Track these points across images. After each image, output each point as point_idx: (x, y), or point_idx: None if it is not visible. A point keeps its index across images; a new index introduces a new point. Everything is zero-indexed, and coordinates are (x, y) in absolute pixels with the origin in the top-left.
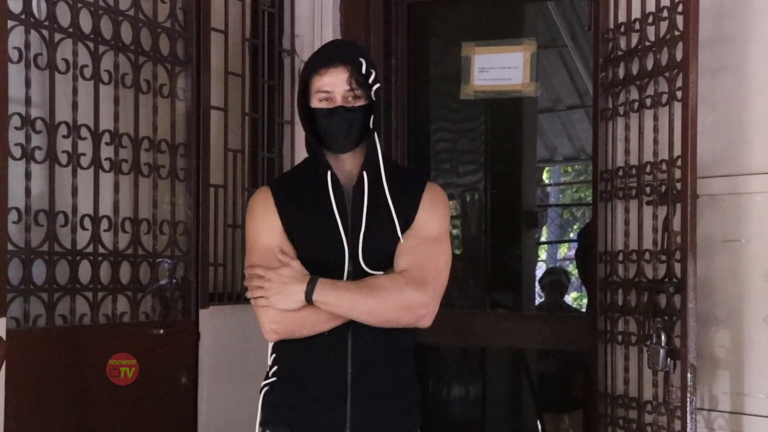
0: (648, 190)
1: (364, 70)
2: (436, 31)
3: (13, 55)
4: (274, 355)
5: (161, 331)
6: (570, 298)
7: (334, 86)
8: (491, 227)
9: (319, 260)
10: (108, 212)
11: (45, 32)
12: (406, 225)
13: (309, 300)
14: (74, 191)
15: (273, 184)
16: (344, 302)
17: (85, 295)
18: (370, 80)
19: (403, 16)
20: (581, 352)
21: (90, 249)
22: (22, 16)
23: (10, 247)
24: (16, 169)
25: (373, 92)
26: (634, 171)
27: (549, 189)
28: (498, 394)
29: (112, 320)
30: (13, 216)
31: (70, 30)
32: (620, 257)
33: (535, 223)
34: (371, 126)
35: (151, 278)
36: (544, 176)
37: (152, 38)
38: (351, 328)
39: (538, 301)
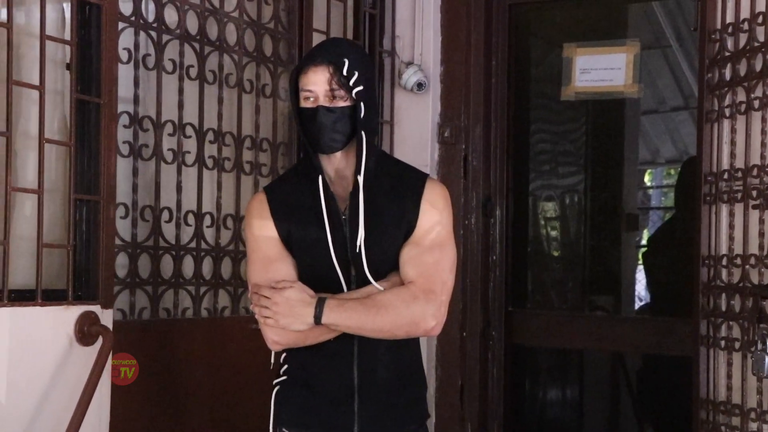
0: (755, 193)
1: (345, 71)
2: (538, 31)
3: (123, 55)
4: (284, 354)
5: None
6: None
7: (315, 85)
8: (591, 229)
9: (316, 269)
10: (211, 209)
11: (153, 33)
12: (408, 229)
13: (318, 322)
14: (179, 188)
15: (268, 190)
16: (353, 322)
17: (187, 289)
18: (351, 82)
19: (504, 16)
20: (682, 357)
21: (193, 244)
22: (132, 18)
23: (117, 241)
24: (124, 166)
25: (354, 94)
26: (740, 174)
27: (651, 191)
28: (596, 398)
29: (213, 314)
30: (120, 211)
31: (177, 31)
32: (724, 261)
33: (636, 225)
34: (358, 124)
35: None
36: (646, 179)
37: (256, 39)
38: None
39: (638, 304)
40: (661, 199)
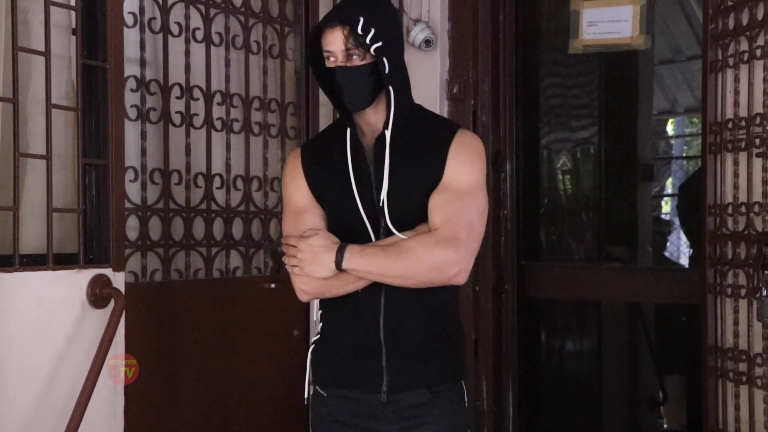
0: (758, 142)
1: (360, 29)
2: None
3: (129, 19)
4: (320, 313)
5: (272, 285)
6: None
7: (333, 46)
8: (606, 181)
9: (344, 220)
10: (220, 170)
11: None
12: (435, 179)
13: (339, 268)
14: (188, 150)
15: (304, 146)
16: (374, 268)
17: (199, 251)
18: (368, 39)
19: None
20: (694, 306)
21: (203, 206)
22: None
23: (127, 204)
24: (132, 130)
25: (373, 50)
26: (743, 123)
27: (673, 141)
28: (611, 349)
29: (226, 275)
30: (130, 175)
31: None
32: (729, 210)
33: (651, 176)
34: (384, 80)
35: (262, 234)
36: (669, 128)
37: (262, 0)
38: (384, 286)
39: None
40: (684, 148)
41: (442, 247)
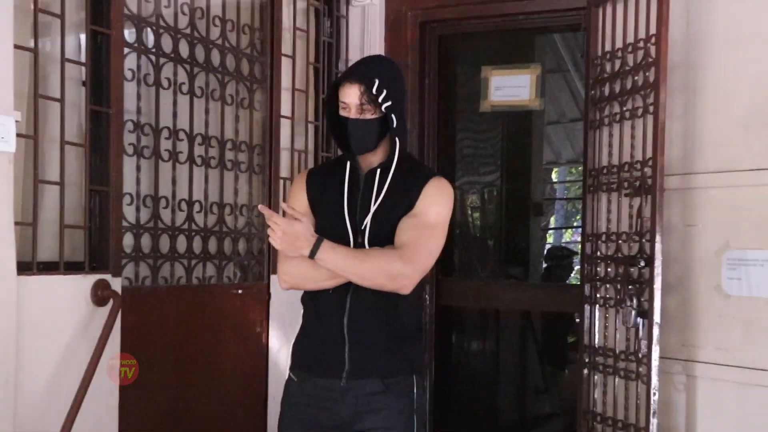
0: (626, 184)
1: (375, 90)
2: (462, 57)
3: (128, 74)
4: (303, 311)
5: (240, 291)
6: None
7: (349, 99)
8: (506, 215)
9: (331, 230)
10: (199, 198)
11: (152, 57)
12: (408, 208)
13: (312, 256)
14: (173, 181)
15: (311, 170)
16: (339, 263)
17: (181, 262)
18: (380, 99)
19: (435, 45)
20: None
21: (185, 226)
22: (135, 45)
23: (124, 223)
24: (129, 164)
25: (384, 108)
26: (615, 169)
27: (556, 186)
28: (508, 348)
29: (203, 282)
30: (127, 199)
31: (172, 55)
32: (603, 238)
33: (541, 212)
34: (391, 132)
35: (233, 250)
36: (553, 175)
37: (236, 61)
38: (351, 289)
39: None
40: (564, 192)
41: (399, 262)
